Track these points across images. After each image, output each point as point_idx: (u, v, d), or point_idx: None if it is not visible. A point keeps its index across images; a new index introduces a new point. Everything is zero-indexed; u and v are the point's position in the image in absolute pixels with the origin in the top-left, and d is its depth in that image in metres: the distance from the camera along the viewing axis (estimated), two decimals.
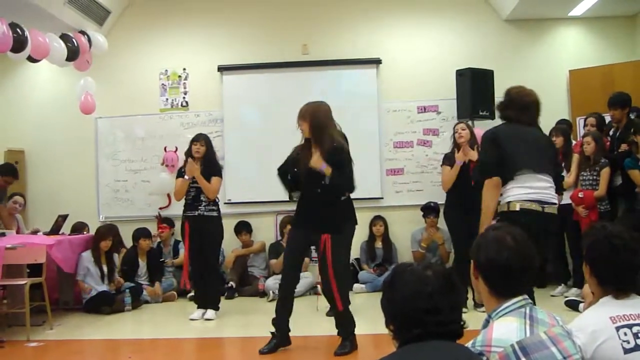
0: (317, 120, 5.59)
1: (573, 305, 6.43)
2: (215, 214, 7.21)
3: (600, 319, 2.41)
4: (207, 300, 7.25)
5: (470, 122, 8.55)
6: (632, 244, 2.50)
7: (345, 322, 5.61)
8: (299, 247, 5.68)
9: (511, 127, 4.84)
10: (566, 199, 7.29)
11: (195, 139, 7.21)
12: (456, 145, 7.07)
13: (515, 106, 5.00)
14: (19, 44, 6.72)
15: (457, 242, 7.21)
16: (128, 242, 8.76)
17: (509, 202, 4.55)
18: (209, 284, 7.32)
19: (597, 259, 2.56)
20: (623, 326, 2.37)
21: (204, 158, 7.16)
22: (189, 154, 7.17)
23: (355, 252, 9.11)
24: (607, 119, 7.69)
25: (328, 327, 5.83)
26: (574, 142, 7.92)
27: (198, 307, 7.23)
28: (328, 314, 6.64)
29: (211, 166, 7.19)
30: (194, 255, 7.15)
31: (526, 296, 2.30)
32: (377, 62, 9.38)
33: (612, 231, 2.55)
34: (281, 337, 5.60)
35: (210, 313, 7.16)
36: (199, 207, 7.11)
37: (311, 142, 5.60)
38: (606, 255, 2.51)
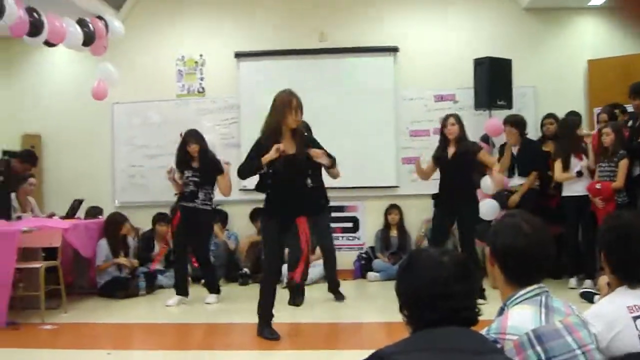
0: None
1: (588, 297, 6.38)
2: (208, 207, 7.40)
3: (617, 308, 2.37)
4: (207, 286, 7.57)
5: (487, 112, 8.53)
6: None
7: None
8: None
9: None
10: (583, 190, 7.24)
11: (189, 138, 7.34)
12: (445, 140, 7.05)
13: None
14: (35, 28, 6.72)
15: (433, 233, 7.43)
16: (143, 224, 8.86)
17: None
18: (204, 273, 7.66)
19: (609, 248, 2.53)
20: None
21: (200, 155, 7.30)
22: (184, 155, 7.34)
23: (370, 240, 9.11)
24: (628, 109, 7.63)
25: (346, 314, 5.82)
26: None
27: (177, 294, 7.40)
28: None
29: (214, 164, 7.41)
30: (179, 243, 7.45)
31: (542, 284, 2.27)
32: (394, 50, 9.32)
33: (627, 221, 2.52)
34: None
35: (211, 297, 7.38)
36: (196, 200, 7.26)
37: (283, 132, 5.53)
38: (617, 245, 2.48)
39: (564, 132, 7.63)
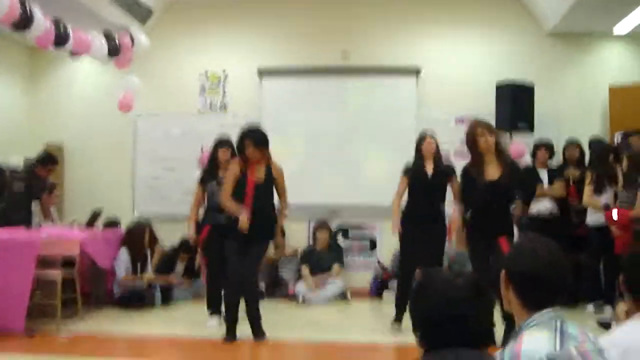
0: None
1: (606, 325, 6.31)
2: None
3: (634, 336, 2.35)
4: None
5: (508, 135, 8.50)
6: None
7: None
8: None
9: None
10: None
11: (222, 144, 7.03)
12: (421, 158, 6.75)
13: None
14: (60, 39, 6.81)
15: (405, 256, 6.84)
16: (161, 237, 8.81)
17: None
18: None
19: (629, 271, 2.51)
20: None
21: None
22: (214, 160, 7.01)
23: (387, 260, 9.05)
24: None
25: (359, 335, 5.78)
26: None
27: (212, 313, 7.00)
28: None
29: None
30: (214, 261, 6.85)
31: (558, 308, 2.25)
32: (416, 71, 9.33)
33: None
34: None
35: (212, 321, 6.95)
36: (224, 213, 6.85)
37: (483, 157, 5.90)
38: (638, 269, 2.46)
39: (598, 158, 7.57)
